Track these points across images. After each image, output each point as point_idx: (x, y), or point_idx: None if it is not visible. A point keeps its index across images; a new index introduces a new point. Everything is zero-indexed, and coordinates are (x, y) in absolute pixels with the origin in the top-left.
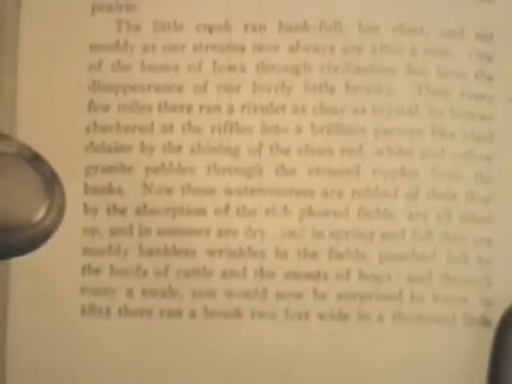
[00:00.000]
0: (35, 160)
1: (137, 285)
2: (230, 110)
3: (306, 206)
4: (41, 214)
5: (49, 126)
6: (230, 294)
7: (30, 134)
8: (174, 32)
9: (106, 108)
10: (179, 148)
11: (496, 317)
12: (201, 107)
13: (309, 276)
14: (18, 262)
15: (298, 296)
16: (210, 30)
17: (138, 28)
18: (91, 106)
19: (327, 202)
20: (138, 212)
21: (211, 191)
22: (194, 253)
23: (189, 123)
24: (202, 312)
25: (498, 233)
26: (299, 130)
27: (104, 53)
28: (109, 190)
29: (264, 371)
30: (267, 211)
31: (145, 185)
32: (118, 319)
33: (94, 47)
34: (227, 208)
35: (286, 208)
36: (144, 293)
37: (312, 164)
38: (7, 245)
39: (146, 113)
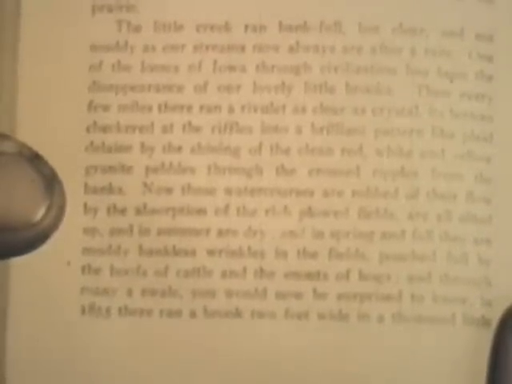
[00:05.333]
0: (35, 160)
1: (137, 285)
2: (231, 110)
3: (306, 206)
4: (41, 213)
5: (49, 125)
6: (229, 293)
7: (30, 133)
8: (174, 32)
9: (106, 108)
10: (179, 148)
11: (496, 317)
12: (201, 107)
13: (309, 276)
14: (17, 262)
15: (298, 296)
16: (211, 30)
17: (138, 28)
18: (91, 106)
19: (327, 202)
20: (138, 212)
21: (211, 191)
22: (193, 253)
23: (189, 123)
24: (202, 312)
25: (498, 233)
26: (299, 130)
27: (104, 53)
28: (109, 189)
29: (264, 371)
30: (267, 211)
31: (145, 185)
32: (118, 319)
33: (94, 47)
34: (227, 208)
35: (285, 208)
36: (144, 293)
37: (312, 164)
38: (7, 245)
39: (146, 113)
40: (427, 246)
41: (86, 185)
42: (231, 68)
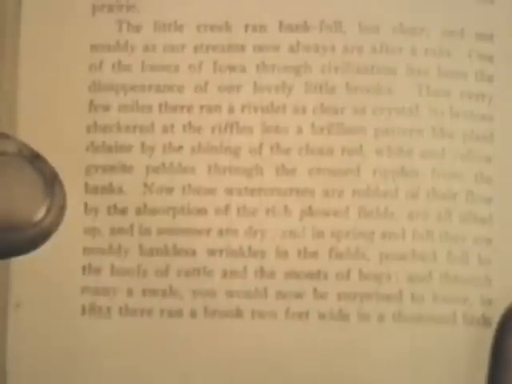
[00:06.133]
0: (35, 159)
1: (137, 284)
2: (231, 109)
3: (307, 206)
4: (41, 213)
5: (49, 125)
6: (230, 293)
7: (31, 133)
8: (174, 32)
9: (107, 108)
10: (180, 148)
11: (496, 316)
12: (201, 107)
13: (309, 276)
14: (18, 262)
15: (299, 296)
16: (211, 30)
17: (138, 28)
18: (92, 106)
19: (327, 201)
20: (139, 212)
21: (212, 191)
22: (194, 252)
23: (189, 123)
24: (203, 312)
25: (498, 233)
26: (300, 130)
27: (104, 53)
28: (109, 189)
29: (264, 371)
30: (268, 211)
31: (145, 184)
32: (119, 319)
33: (94, 47)
34: (228, 208)
35: (286, 208)
36: (144, 292)
37: (312, 164)
38: (7, 244)
39: (147, 113)
40: (427, 246)
41: (86, 184)
42: (231, 68)
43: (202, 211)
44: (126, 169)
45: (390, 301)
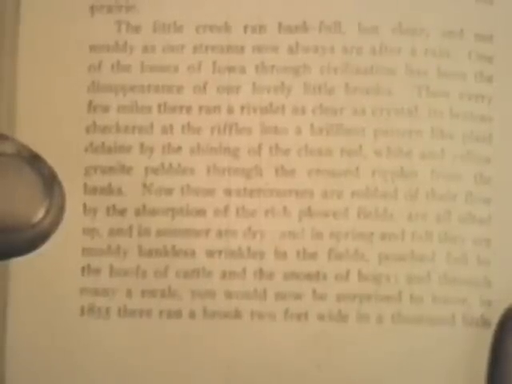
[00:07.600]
0: (34, 160)
1: (136, 285)
2: (230, 110)
3: (306, 207)
4: (40, 214)
5: (48, 126)
6: (229, 294)
7: (30, 134)
8: (173, 33)
9: (106, 108)
10: (179, 148)
11: (495, 317)
12: (200, 108)
13: (308, 276)
14: (17, 263)
15: (298, 297)
16: (210, 30)
17: (137, 29)
18: (91, 107)
19: (327, 202)
20: (138, 212)
21: (211, 192)
22: (193, 253)
23: (188, 124)
24: (202, 312)
25: (498, 233)
26: (299, 131)
27: (104, 53)
28: (108, 190)
29: (263, 371)
30: (267, 212)
31: (144, 185)
32: (118, 320)
33: (93, 48)
34: (227, 208)
35: (285, 208)
36: (143, 293)
37: (311, 165)
38: (7, 245)
39: (146, 113)
40: (426, 247)
41: (85, 185)
42: (230, 68)
43: (201, 212)
44: (125, 169)
45: (389, 302)
